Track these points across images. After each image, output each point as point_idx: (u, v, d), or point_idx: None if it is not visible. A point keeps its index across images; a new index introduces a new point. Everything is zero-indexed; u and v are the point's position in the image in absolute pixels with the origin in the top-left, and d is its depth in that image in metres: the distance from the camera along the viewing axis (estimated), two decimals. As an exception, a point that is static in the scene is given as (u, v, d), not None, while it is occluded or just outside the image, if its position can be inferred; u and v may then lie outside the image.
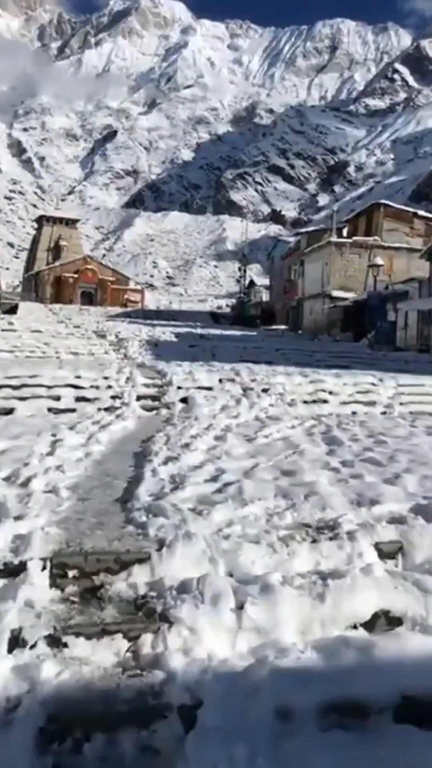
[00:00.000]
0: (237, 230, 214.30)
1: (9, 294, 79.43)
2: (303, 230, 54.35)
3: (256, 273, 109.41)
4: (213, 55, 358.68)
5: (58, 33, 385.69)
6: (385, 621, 3.10)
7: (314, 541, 3.63)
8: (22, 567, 3.32)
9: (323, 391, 11.84)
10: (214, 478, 5.18)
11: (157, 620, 2.97)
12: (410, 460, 6.20)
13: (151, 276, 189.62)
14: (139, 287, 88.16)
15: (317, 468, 5.63)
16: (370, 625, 3.08)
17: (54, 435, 7.46)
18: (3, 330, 27.05)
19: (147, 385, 11.61)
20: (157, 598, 3.15)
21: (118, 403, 10.57)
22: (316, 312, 38.48)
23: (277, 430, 8.20)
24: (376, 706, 2.39)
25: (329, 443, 7.14)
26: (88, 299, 71.96)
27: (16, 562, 3.38)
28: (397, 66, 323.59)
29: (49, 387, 10.97)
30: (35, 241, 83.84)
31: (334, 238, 37.05)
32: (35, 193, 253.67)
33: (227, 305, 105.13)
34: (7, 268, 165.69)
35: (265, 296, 66.78)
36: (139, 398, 10.93)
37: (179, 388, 11.42)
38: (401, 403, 11.41)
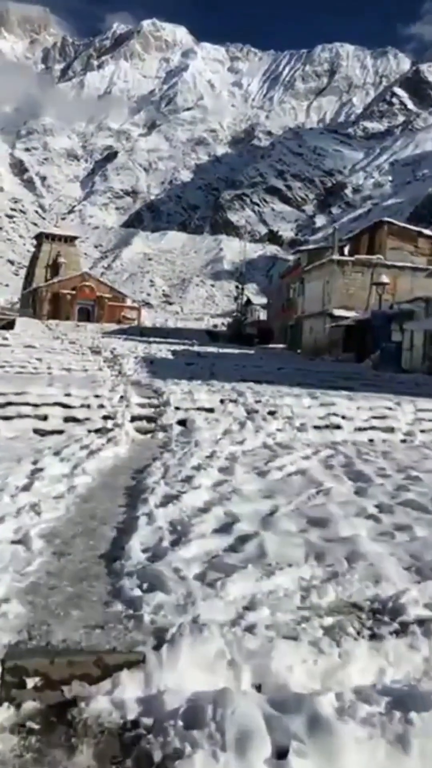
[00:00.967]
0: (234, 250, 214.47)
1: (7, 310, 78.79)
2: (303, 248, 53.73)
3: (252, 292, 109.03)
4: (213, 78, 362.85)
5: (62, 56, 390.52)
6: None
7: (374, 635, 2.61)
8: None
9: (335, 415, 10.83)
10: (225, 528, 4.16)
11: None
12: (456, 502, 5.19)
13: (148, 294, 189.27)
14: (136, 305, 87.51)
15: (351, 515, 4.60)
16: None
17: (35, 463, 6.43)
18: (-5, 345, 26.08)
19: (142, 405, 10.59)
20: (154, 732, 2.12)
21: (110, 424, 9.53)
22: (316, 331, 37.59)
23: (290, 461, 7.17)
24: None
25: (355, 479, 6.12)
26: (86, 316, 71.23)
27: None
28: (396, 90, 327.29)
29: (36, 405, 9.94)
30: (34, 258, 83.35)
31: (336, 256, 36.29)
32: (36, 211, 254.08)
33: (223, 324, 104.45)
34: (7, 285, 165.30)
35: (262, 315, 66.07)
36: (133, 419, 9.91)
37: (177, 408, 10.39)
38: (422, 431, 10.40)
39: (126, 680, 2.35)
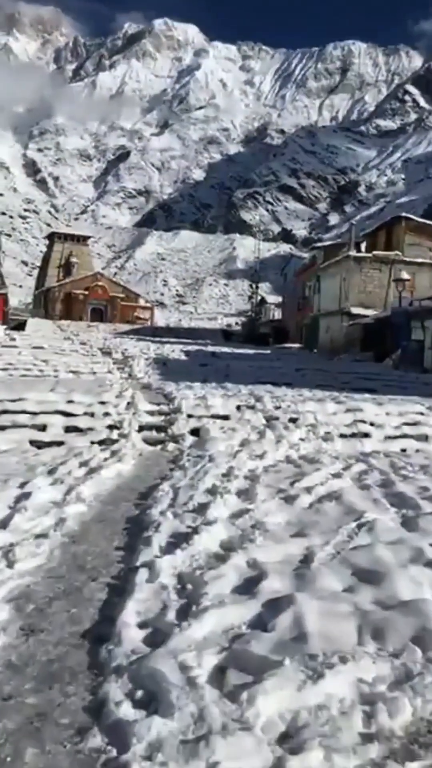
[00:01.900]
0: (247, 249, 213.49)
1: (19, 311, 78.32)
2: (319, 245, 52.60)
3: (266, 291, 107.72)
4: (225, 77, 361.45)
5: (74, 56, 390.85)
6: None
7: None
8: None
9: (363, 422, 9.85)
10: (248, 586, 3.23)
11: None
12: None
13: (162, 294, 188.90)
14: (149, 305, 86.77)
15: (406, 561, 3.64)
16: None
17: (23, 485, 5.53)
18: (3, 346, 25.33)
19: (151, 413, 9.67)
20: None
21: (115, 434, 8.62)
22: (333, 330, 36.49)
23: (319, 479, 6.21)
24: None
25: (399, 505, 5.16)
26: (98, 316, 70.59)
27: None
28: (408, 87, 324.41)
29: (35, 414, 9.05)
30: (46, 258, 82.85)
31: (353, 252, 35.17)
32: (49, 212, 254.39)
33: (237, 323, 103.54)
34: (20, 286, 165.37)
35: (277, 314, 65.00)
36: (141, 428, 8.98)
37: (190, 416, 9.46)
38: (461, 439, 9.39)
39: None
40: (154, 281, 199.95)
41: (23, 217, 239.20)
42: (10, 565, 3.46)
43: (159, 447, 8.50)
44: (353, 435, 9.43)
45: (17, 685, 2.29)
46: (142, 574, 3.32)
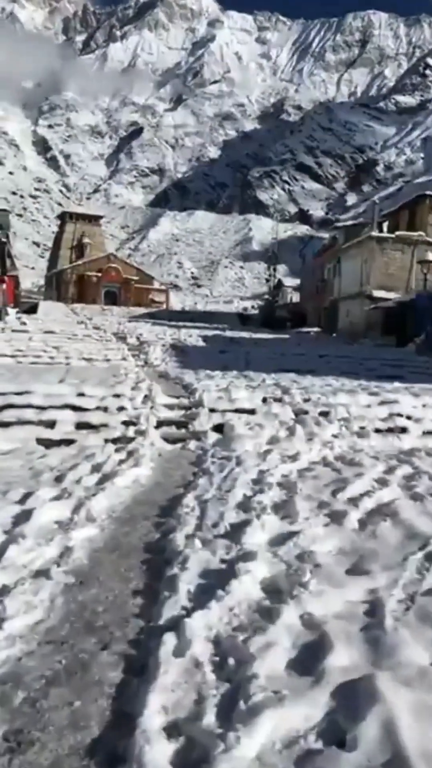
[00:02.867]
0: (263, 230, 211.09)
1: (31, 293, 77.74)
2: (340, 224, 51.26)
3: (282, 273, 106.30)
4: (240, 49, 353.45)
5: (83, 26, 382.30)
6: None
7: None
8: None
9: (399, 415, 9.03)
10: (308, 662, 2.47)
11: None
12: None
13: (176, 276, 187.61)
14: (163, 287, 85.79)
15: None
16: None
17: (24, 500, 4.82)
18: (13, 330, 24.69)
19: (170, 407, 8.91)
20: None
21: (132, 431, 7.88)
22: (353, 314, 35.45)
23: (364, 487, 5.44)
24: None
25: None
26: (112, 299, 69.74)
27: None
28: (430, 61, 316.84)
29: (42, 408, 8.33)
30: (58, 239, 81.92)
31: (375, 233, 34.00)
32: (60, 191, 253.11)
33: (253, 306, 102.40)
34: (32, 268, 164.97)
35: (295, 297, 63.80)
36: (159, 424, 8.24)
37: (212, 410, 8.69)
38: None
39: None
40: (168, 263, 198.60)
41: (34, 197, 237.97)
42: (-1, 621, 2.73)
43: (179, 445, 7.76)
44: (389, 430, 8.63)
45: None
46: (168, 643, 2.57)
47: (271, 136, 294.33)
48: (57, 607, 3.02)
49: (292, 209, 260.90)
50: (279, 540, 3.91)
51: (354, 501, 4.98)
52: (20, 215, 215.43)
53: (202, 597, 3.02)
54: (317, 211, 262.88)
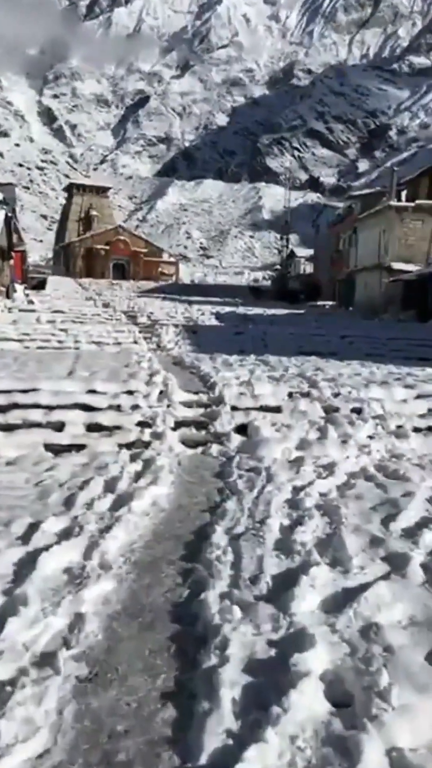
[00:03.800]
0: (273, 198, 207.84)
1: (40, 268, 76.83)
2: (356, 193, 49.77)
3: (294, 243, 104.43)
4: (248, 11, 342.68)
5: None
6: None
7: None
8: None
9: (438, 410, 8.28)
10: None
11: None
12: None
13: (185, 247, 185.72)
14: (173, 259, 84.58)
15: None
16: None
17: (28, 536, 4.15)
18: (20, 310, 24.02)
19: (189, 404, 8.19)
20: None
21: (147, 434, 7.19)
22: (370, 287, 34.42)
23: (418, 513, 4.72)
24: None
25: None
26: (121, 272, 68.76)
27: None
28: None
29: (50, 408, 7.65)
30: (65, 212, 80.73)
31: (393, 202, 32.77)
32: (67, 162, 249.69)
33: (264, 277, 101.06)
34: (41, 240, 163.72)
35: (308, 268, 62.51)
36: (177, 425, 7.54)
37: (234, 408, 7.97)
38: None
39: None
40: (177, 234, 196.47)
41: (41, 168, 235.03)
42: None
43: (200, 450, 7.06)
44: (429, 429, 7.88)
45: None
46: None
47: (281, 102, 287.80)
48: (66, 725, 2.34)
49: (303, 177, 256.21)
50: (334, 604, 3.22)
51: (411, 535, 4.27)
52: (27, 188, 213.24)
53: (252, 714, 2.34)
54: (329, 178, 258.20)
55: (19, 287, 35.47)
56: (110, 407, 7.84)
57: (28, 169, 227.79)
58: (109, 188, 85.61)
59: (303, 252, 73.08)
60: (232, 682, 2.52)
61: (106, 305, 29.05)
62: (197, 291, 51.30)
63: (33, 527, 4.32)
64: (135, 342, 16.07)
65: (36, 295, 33.60)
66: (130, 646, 2.93)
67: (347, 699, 2.45)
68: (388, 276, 31.87)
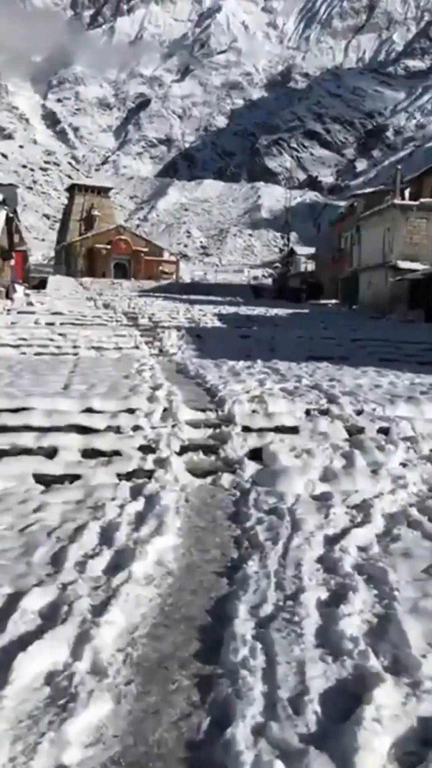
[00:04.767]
0: (272, 198, 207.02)
1: (42, 267, 76.02)
2: (359, 192, 48.90)
3: (293, 241, 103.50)
4: (247, 19, 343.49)
5: (91, 1, 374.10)
6: None
7: None
8: None
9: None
10: None
11: None
12: None
13: (185, 246, 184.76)
14: (173, 258, 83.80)
15: None
16: None
17: (4, 618, 3.29)
18: (19, 312, 23.15)
19: (195, 424, 7.31)
20: None
21: (150, 461, 6.32)
22: (375, 285, 33.52)
23: None
24: None
25: None
26: (122, 271, 68.00)
27: None
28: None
29: (42, 430, 6.79)
30: (67, 211, 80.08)
31: (398, 200, 31.87)
32: (69, 163, 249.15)
33: (263, 275, 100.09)
34: (43, 239, 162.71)
35: (309, 266, 61.61)
36: (183, 450, 6.67)
37: (246, 429, 7.11)
38: None
39: None
40: (177, 233, 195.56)
41: (44, 169, 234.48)
42: None
43: (209, 480, 6.19)
44: (466, 453, 7.01)
45: None
46: None
47: (279, 104, 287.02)
48: None
49: (302, 176, 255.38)
50: (409, 754, 2.34)
51: None
52: (30, 188, 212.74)
53: None
54: (327, 177, 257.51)
55: (20, 287, 34.61)
56: (109, 428, 6.98)
57: (32, 170, 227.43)
58: (110, 188, 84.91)
59: (303, 250, 72.19)
60: None
61: (106, 306, 28.19)
62: (198, 290, 50.42)
63: (12, 602, 3.46)
64: (136, 347, 15.21)
65: (36, 295, 32.78)
66: None
67: None
68: (393, 275, 30.97)
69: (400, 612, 3.32)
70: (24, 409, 7.21)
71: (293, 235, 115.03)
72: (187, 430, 7.07)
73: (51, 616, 3.33)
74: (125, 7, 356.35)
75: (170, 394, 8.19)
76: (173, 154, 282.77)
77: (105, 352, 14.06)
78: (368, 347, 15.95)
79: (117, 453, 6.53)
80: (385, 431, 7.23)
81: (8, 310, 23.65)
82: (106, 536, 4.49)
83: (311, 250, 65.95)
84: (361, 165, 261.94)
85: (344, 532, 4.60)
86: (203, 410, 7.71)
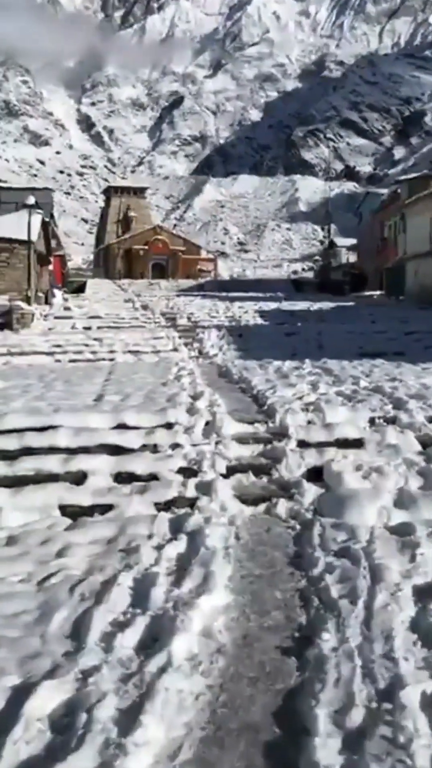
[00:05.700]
0: (309, 190, 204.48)
1: (81, 271, 76.32)
2: (402, 177, 47.19)
3: (333, 233, 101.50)
4: (278, 9, 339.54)
5: (121, 2, 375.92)
6: None
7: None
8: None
9: None
10: None
11: None
12: None
13: (222, 243, 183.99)
14: (211, 256, 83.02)
15: None
16: None
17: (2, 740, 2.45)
18: (56, 317, 22.65)
19: (242, 439, 6.40)
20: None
21: (192, 486, 5.45)
22: (424, 274, 31.96)
23: None
24: None
25: None
26: (160, 271, 67.49)
27: None
28: None
29: (70, 452, 6.00)
30: (104, 214, 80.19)
31: (446, 184, 30.33)
32: (106, 166, 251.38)
33: (304, 269, 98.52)
34: (82, 244, 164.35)
35: (351, 257, 59.92)
36: (230, 471, 5.78)
37: (302, 443, 6.17)
38: None
39: None
40: (214, 230, 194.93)
41: (81, 174, 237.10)
42: None
43: (263, 508, 5.29)
44: None
45: None
46: None
47: (314, 94, 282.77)
48: None
49: (339, 167, 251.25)
50: None
51: None
52: (68, 193, 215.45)
53: None
54: (364, 167, 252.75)
55: (58, 292, 34.29)
56: (144, 447, 6.15)
57: (69, 175, 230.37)
58: (146, 188, 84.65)
59: (344, 241, 70.42)
60: None
61: (144, 307, 27.51)
62: (237, 287, 49.39)
63: (15, 702, 2.63)
64: (175, 349, 14.40)
65: (75, 299, 32.38)
66: None
67: None
68: (444, 263, 29.45)
69: None
70: (51, 427, 6.43)
71: (332, 227, 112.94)
72: (234, 447, 6.17)
73: (64, 729, 2.49)
74: (155, 5, 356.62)
75: (212, 403, 7.31)
76: (208, 150, 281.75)
77: (142, 356, 13.30)
78: (424, 340, 14.79)
79: (154, 477, 5.68)
80: (464, 441, 6.20)
81: (45, 315, 23.18)
82: (141, 594, 3.63)
83: (353, 241, 64.18)
84: (399, 153, 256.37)
85: (436, 583, 3.64)
86: (251, 422, 6.80)
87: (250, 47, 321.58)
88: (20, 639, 3.24)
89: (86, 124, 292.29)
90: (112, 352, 13.93)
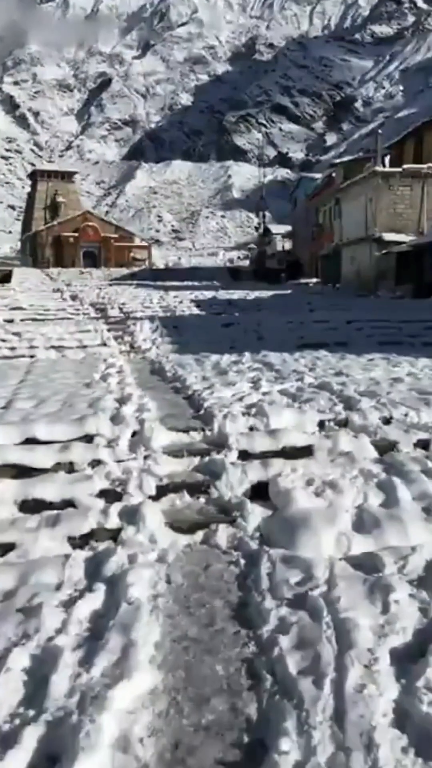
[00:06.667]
0: (243, 177, 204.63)
1: (8, 260, 73.33)
2: (337, 161, 47.01)
3: (267, 220, 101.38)
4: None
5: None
6: None
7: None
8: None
9: None
10: None
11: None
12: None
13: (157, 231, 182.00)
14: (144, 244, 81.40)
15: None
16: None
17: None
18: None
19: (175, 452, 5.52)
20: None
21: (114, 514, 4.55)
22: (359, 261, 31.86)
23: None
24: None
25: None
26: (91, 260, 65.69)
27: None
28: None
29: (-34, 474, 4.98)
30: (30, 199, 77.35)
31: (379, 167, 30.13)
32: (32, 150, 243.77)
33: (239, 257, 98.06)
34: (9, 232, 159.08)
35: (286, 245, 59.72)
36: (161, 491, 4.91)
37: (244, 454, 5.36)
38: None
39: None
40: (147, 217, 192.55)
41: (6, 158, 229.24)
42: None
43: (199, 536, 4.45)
44: None
45: None
46: None
47: (245, 78, 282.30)
48: None
49: (272, 153, 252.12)
50: None
51: None
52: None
53: None
54: (297, 153, 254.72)
55: (-21, 283, 32.45)
56: (58, 466, 5.19)
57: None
58: (74, 173, 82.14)
59: (278, 228, 70.22)
60: None
61: (74, 297, 26.20)
62: (172, 276, 48.39)
63: None
64: (104, 344, 13.36)
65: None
66: None
67: None
68: (378, 248, 29.33)
69: None
70: None
71: (267, 214, 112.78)
72: (165, 462, 5.29)
73: None
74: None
75: (141, 409, 6.40)
76: (139, 135, 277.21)
77: (66, 352, 12.21)
78: (365, 329, 14.28)
79: (69, 504, 4.74)
80: (425, 445, 5.53)
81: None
82: (36, 682, 2.73)
83: (288, 228, 64.04)
84: (330, 139, 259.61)
85: (420, 642, 2.89)
86: (185, 431, 5.92)
87: (179, 27, 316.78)
88: None
89: (10, 104, 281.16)
90: (32, 348, 12.77)
